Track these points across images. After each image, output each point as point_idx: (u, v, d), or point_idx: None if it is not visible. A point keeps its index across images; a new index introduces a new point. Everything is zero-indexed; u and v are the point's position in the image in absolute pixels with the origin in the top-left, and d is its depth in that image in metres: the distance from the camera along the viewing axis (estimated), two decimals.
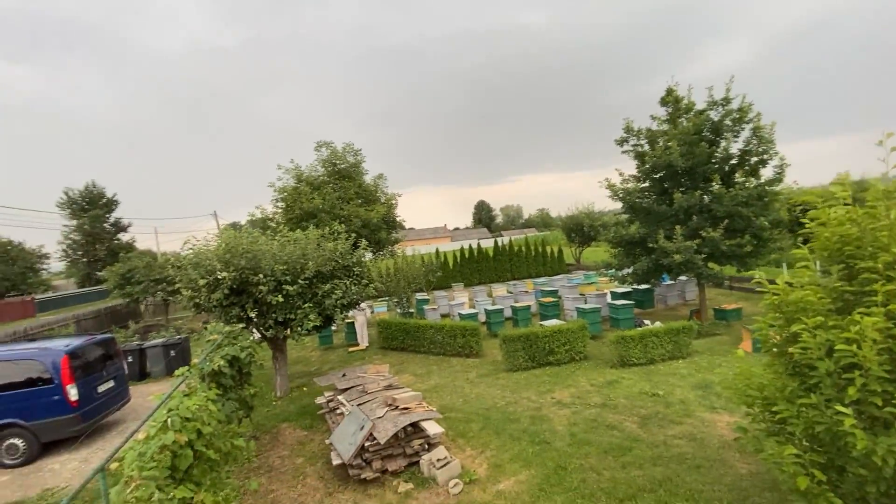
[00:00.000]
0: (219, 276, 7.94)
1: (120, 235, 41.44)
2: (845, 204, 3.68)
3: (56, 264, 43.33)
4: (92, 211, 39.39)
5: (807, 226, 3.86)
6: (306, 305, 8.61)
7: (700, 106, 12.01)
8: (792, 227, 14.18)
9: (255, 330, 9.42)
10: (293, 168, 20.11)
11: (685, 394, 7.77)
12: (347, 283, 9.35)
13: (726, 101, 11.57)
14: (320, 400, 8.41)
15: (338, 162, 20.58)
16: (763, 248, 11.56)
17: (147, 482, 3.60)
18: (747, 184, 11.31)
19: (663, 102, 12.43)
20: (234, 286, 8.36)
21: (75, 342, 8.62)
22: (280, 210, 19.81)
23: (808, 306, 3.51)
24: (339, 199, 19.38)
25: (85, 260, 39.96)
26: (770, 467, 3.79)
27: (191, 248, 8.86)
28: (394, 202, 21.35)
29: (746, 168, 11.48)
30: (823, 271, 3.93)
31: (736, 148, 11.73)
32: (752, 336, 9.52)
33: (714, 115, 11.74)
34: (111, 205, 41.45)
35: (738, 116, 11.41)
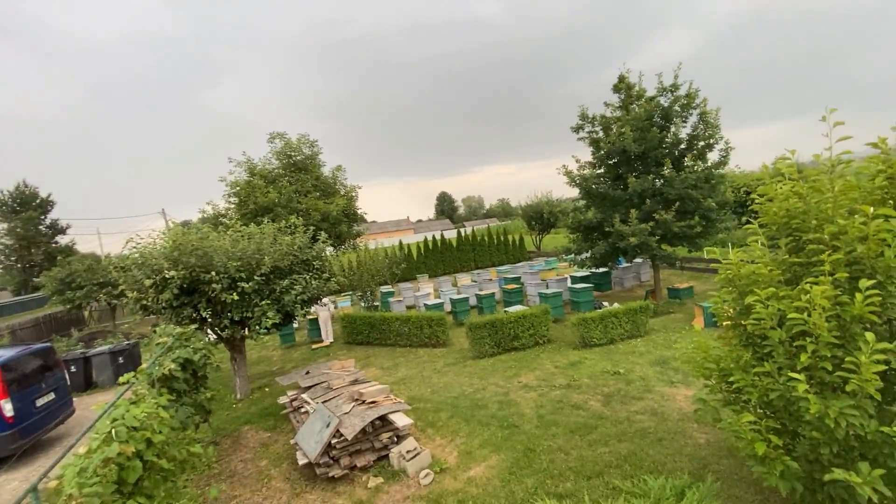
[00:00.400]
0: (166, 276, 7.45)
1: (58, 238, 38.44)
2: (790, 179, 3.84)
3: None
4: (24, 213, 36.27)
5: (755, 201, 4.00)
6: (264, 303, 8.23)
7: (650, 93, 12.38)
8: (736, 208, 14.96)
9: (209, 331, 8.95)
10: (245, 161, 19.24)
11: (644, 370, 8.04)
12: (307, 277, 9.02)
13: (674, 87, 11.98)
14: (283, 399, 8.11)
15: (293, 154, 19.86)
16: (711, 228, 12.12)
17: (90, 499, 3.30)
18: (696, 167, 11.80)
19: (616, 89, 12.71)
20: (185, 285, 7.87)
21: (7, 354, 7.87)
22: (233, 206, 18.93)
23: (759, 279, 3.64)
24: (295, 193, 18.73)
25: (20, 266, 36.84)
26: (727, 436, 3.94)
27: (134, 247, 8.26)
28: (354, 194, 20.87)
29: (695, 152, 11.96)
30: (771, 245, 4.10)
31: (685, 133, 12.20)
32: (706, 312, 10.01)
33: (664, 101, 12.13)
34: (46, 205, 38.29)
35: (685, 102, 11.85)
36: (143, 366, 5.32)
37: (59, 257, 22.78)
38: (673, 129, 12.16)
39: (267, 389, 9.92)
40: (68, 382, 9.23)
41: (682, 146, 12.25)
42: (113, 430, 3.78)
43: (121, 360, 11.80)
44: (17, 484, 7.03)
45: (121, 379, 4.70)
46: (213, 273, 7.87)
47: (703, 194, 11.72)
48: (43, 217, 37.74)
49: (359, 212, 21.34)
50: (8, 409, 7.19)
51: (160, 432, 4.19)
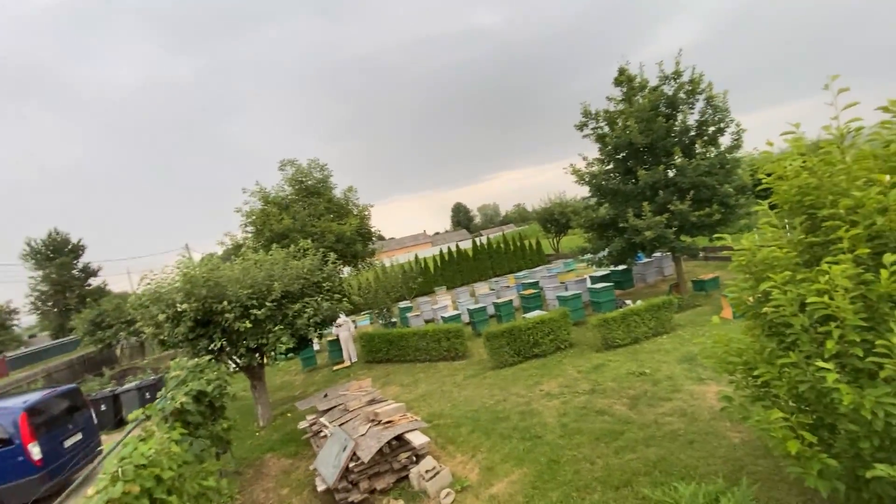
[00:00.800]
0: (179, 309, 7.53)
1: (91, 280, 39.93)
2: (800, 154, 3.59)
3: (26, 318, 41.56)
4: (58, 259, 37.86)
5: (763, 181, 3.76)
6: (277, 328, 8.24)
7: (653, 82, 12.11)
8: (759, 192, 14.42)
9: (228, 360, 9.00)
10: (258, 190, 19.66)
11: (672, 369, 7.67)
12: (318, 300, 9.01)
13: (677, 74, 11.68)
14: (303, 424, 8.06)
15: (304, 179, 20.21)
16: (731, 215, 11.65)
17: None
18: (708, 153, 11.42)
19: (617, 82, 12.48)
20: (198, 317, 7.94)
21: (33, 397, 8.08)
22: (250, 235, 19.31)
23: (775, 262, 3.39)
24: (309, 217, 19.00)
25: (56, 310, 38.32)
26: (760, 434, 3.66)
27: (149, 283, 8.41)
28: (366, 213, 21.04)
29: (705, 138, 11.59)
30: (792, 227, 3.84)
31: (693, 119, 11.85)
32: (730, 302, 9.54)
33: (668, 90, 11.83)
34: (78, 250, 39.91)
35: (690, 88, 11.53)
36: (155, 402, 5.33)
37: (88, 299, 23.58)
38: (680, 116, 11.83)
39: (289, 415, 9.89)
40: (95, 422, 9.40)
41: (692, 133, 11.89)
42: (119, 470, 3.76)
43: (147, 395, 11.98)
44: None
45: (129, 416, 4.71)
46: (226, 302, 7.94)
47: (719, 180, 11.30)
48: (75, 262, 39.27)
49: (372, 230, 21.50)
50: (36, 452, 7.33)
51: (170, 468, 4.15)
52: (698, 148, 11.51)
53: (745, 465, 4.65)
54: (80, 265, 39.61)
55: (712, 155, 11.44)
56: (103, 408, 11.76)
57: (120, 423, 12.00)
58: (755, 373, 3.55)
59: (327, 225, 18.63)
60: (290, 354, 9.11)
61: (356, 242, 19.61)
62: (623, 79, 12.31)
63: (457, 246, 27.55)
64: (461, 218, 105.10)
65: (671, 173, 11.76)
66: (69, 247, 39.34)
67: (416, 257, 26.76)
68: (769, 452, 4.67)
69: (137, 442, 4.22)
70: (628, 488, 4.72)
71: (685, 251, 11.82)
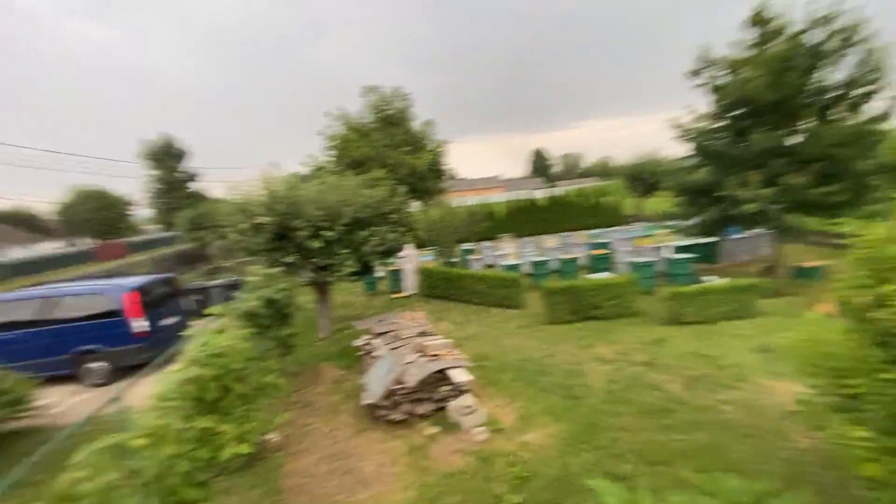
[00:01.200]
0: (258, 221, 8.07)
1: (192, 184, 44.19)
2: None
3: (141, 211, 47.46)
4: (168, 161, 42.12)
5: None
6: (344, 251, 8.62)
7: (798, 26, 10.01)
8: None
9: (299, 273, 9.67)
10: (341, 115, 19.98)
11: (742, 357, 7.06)
12: (385, 230, 9.22)
13: (833, 15, 9.49)
14: (358, 342, 8.60)
15: (385, 108, 20.14)
16: (862, 197, 9.86)
17: (168, 411, 3.75)
18: (847, 120, 9.55)
19: (751, 22, 10.52)
20: (276, 231, 8.49)
21: (140, 280, 9.32)
22: (332, 158, 19.96)
23: None
24: (385, 147, 19.12)
25: (165, 207, 43.33)
26: (832, 446, 3.26)
27: (237, 193, 9.04)
28: (441, 150, 20.75)
29: (848, 101, 9.65)
30: None
31: (837, 77, 9.83)
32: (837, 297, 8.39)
33: (813, 37, 9.78)
34: (183, 155, 44.06)
35: (845, 37, 9.42)
36: (230, 302, 5.89)
37: (188, 200, 26.25)
38: (822, 72, 9.81)
39: (347, 332, 10.59)
40: (190, 308, 10.75)
41: (831, 94, 9.90)
42: (197, 355, 4.24)
43: (230, 293, 13.40)
44: (144, 388, 8.43)
45: (206, 311, 5.24)
46: (300, 220, 8.37)
47: (854, 154, 9.51)
48: (180, 165, 43.45)
49: (445, 167, 21.27)
50: (140, 326, 8.58)
51: (238, 361, 4.63)
52: (835, 113, 9.67)
53: (807, 472, 4.26)
54: (184, 169, 43.80)
55: (853, 123, 9.56)
56: (193, 298, 13.39)
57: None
58: (846, 381, 3.10)
59: (402, 157, 18.68)
60: (355, 277, 9.55)
61: (428, 178, 19.61)
62: (759, 19, 10.34)
63: (529, 194, 26.66)
64: (539, 165, 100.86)
65: (792, 140, 10.08)
66: (176, 151, 43.46)
67: (487, 202, 26.36)
68: (840, 464, 4.22)
69: (213, 334, 4.70)
70: (666, 467, 4.54)
71: (791, 232, 10.38)
